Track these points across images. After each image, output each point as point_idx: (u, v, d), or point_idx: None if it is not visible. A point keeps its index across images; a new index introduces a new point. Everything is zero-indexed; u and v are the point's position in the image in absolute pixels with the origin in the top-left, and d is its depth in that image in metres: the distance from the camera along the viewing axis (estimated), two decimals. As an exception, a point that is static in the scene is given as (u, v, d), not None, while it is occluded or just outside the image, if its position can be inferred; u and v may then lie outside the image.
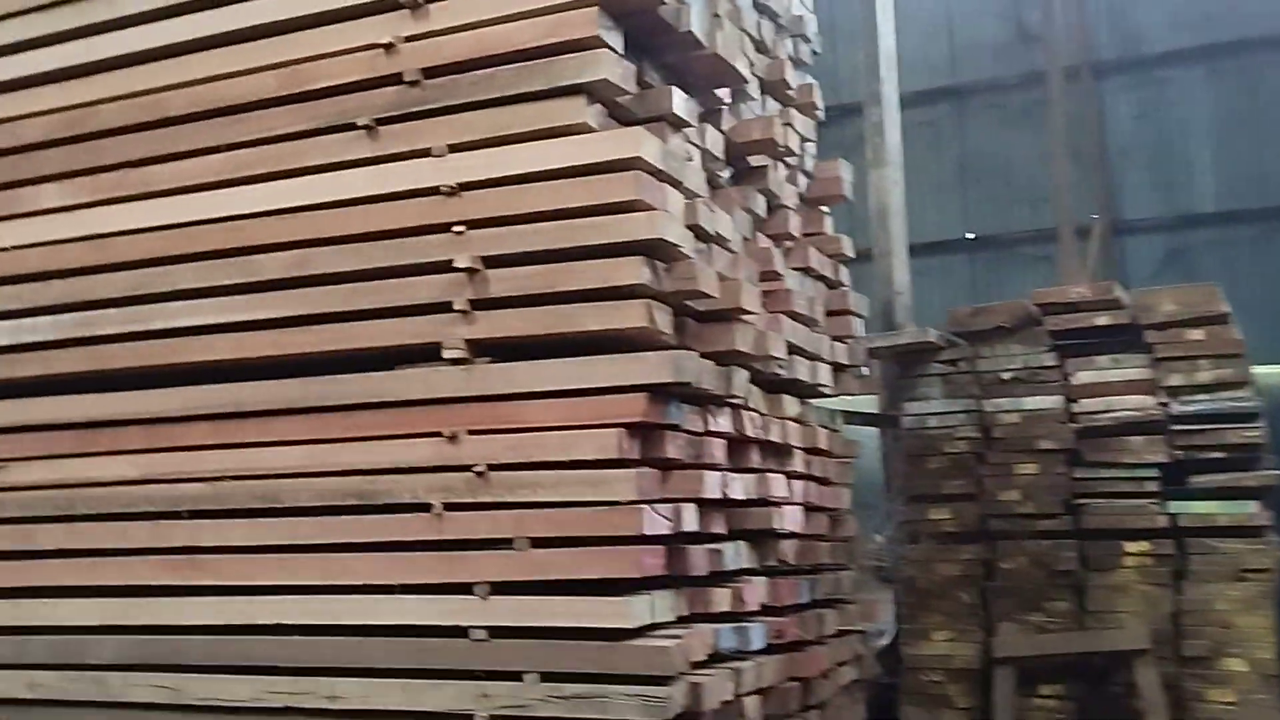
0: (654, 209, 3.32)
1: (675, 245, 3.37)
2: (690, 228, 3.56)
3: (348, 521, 3.49)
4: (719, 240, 3.81)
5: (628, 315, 3.28)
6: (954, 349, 5.83)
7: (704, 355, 3.58)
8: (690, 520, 3.45)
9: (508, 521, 3.33)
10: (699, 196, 3.72)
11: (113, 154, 3.91)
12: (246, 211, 3.69)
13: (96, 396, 3.84)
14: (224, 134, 3.77)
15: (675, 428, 3.46)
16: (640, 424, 3.29)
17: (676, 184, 3.54)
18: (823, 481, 4.69)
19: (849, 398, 5.29)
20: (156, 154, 3.85)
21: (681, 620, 3.51)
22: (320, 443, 3.55)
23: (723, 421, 3.78)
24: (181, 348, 3.74)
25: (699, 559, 3.55)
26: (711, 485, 3.57)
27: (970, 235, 13.30)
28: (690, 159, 3.88)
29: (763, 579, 4.03)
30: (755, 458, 4.03)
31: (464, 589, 3.35)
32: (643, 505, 3.22)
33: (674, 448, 3.44)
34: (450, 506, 3.39)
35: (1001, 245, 13.17)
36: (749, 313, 3.80)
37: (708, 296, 3.54)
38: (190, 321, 3.72)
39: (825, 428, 4.79)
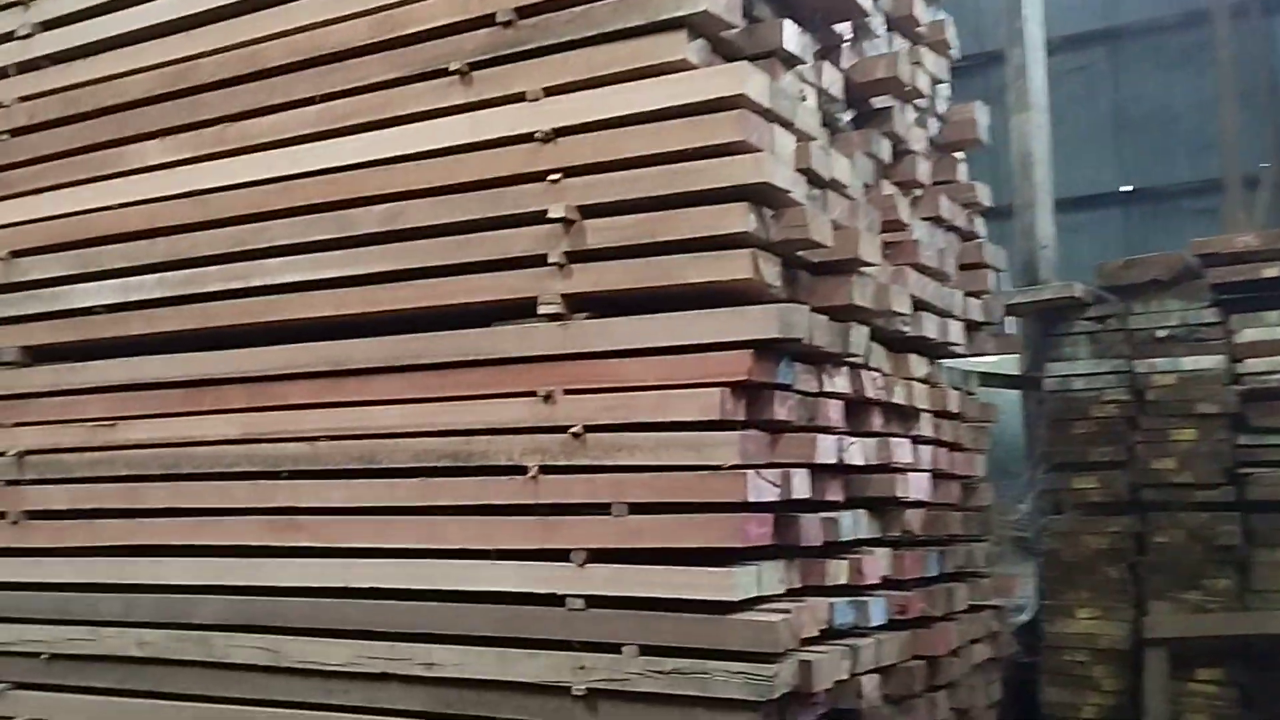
0: (760, 151, 3.08)
1: (784, 190, 3.12)
2: (802, 172, 3.31)
3: (444, 484, 3.37)
4: (835, 186, 3.54)
5: (731, 266, 3.05)
6: (1103, 305, 5.40)
7: (818, 310, 3.33)
8: (801, 487, 3.21)
9: (605, 486, 3.15)
10: (812, 139, 3.45)
11: (213, 109, 3.85)
12: (341, 164, 3.58)
13: (201, 355, 3.79)
14: (320, 84, 3.66)
15: (785, 388, 3.23)
16: (745, 383, 3.06)
17: (787, 124, 3.29)
18: (954, 447, 4.39)
19: (987, 358, 4.96)
20: (255, 107, 3.77)
21: (792, 594, 3.29)
22: (416, 402, 3.43)
23: (840, 382, 3.53)
24: (281, 305, 3.66)
25: (812, 529, 3.31)
26: (826, 450, 3.32)
27: (1126, 188, 12.55)
28: (804, 98, 3.61)
29: (885, 550, 3.77)
30: (877, 421, 3.77)
31: (560, 556, 3.19)
32: (747, 470, 3.00)
33: (784, 409, 3.21)
34: (546, 469, 3.22)
35: (1160, 198, 12.40)
36: (868, 264, 3.52)
37: (821, 246, 3.28)
38: (289, 278, 3.63)
39: (958, 389, 4.48)
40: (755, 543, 3.03)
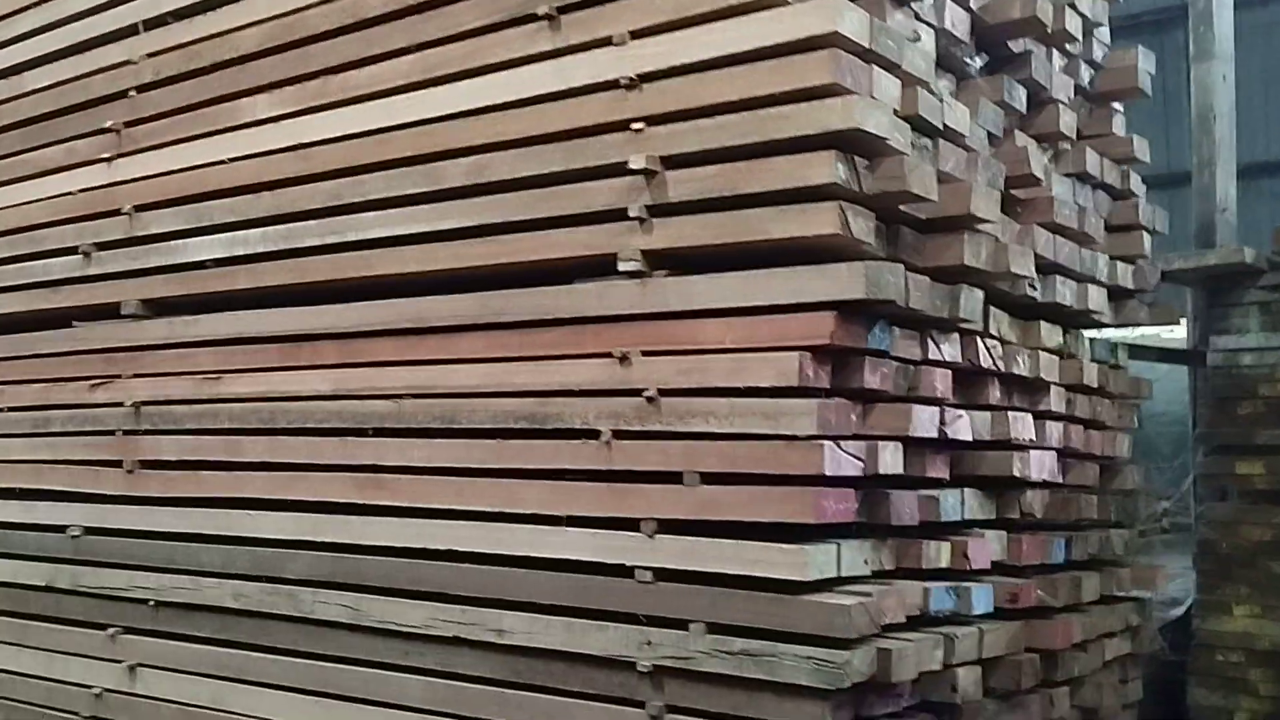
0: (853, 94, 2.83)
1: (880, 138, 2.86)
2: (909, 119, 3.04)
3: (520, 446, 3.26)
4: (950, 136, 3.25)
5: (816, 220, 2.82)
6: (1278, 273, 4.87)
7: (926, 272, 3.07)
8: (892, 462, 2.96)
9: (678, 453, 2.98)
10: (923, 83, 3.17)
11: (317, 61, 3.81)
12: (432, 116, 3.49)
13: (298, 310, 3.78)
14: (414, 34, 3.57)
15: (880, 354, 2.98)
16: (828, 347, 2.83)
17: (891, 67, 3.01)
18: (1092, 424, 4.02)
19: (1146, 330, 4.55)
20: (354, 59, 3.71)
21: (883, 576, 3.05)
22: (496, 361, 3.32)
23: (948, 349, 3.25)
24: (374, 260, 3.60)
25: (906, 507, 3.06)
26: (923, 422, 3.05)
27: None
28: (917, 38, 3.32)
29: (999, 534, 3.47)
30: (995, 393, 3.46)
31: (631, 525, 3.04)
32: (824, 441, 2.77)
33: (876, 377, 2.96)
34: (619, 435, 3.07)
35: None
36: (984, 221, 3.22)
37: (925, 200, 3.00)
38: (381, 233, 3.58)
39: (1100, 363, 4.10)
40: (834, 519, 2.80)
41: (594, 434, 3.10)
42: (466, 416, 3.36)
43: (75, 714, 4.17)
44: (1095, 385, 4.00)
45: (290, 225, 3.80)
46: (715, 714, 2.89)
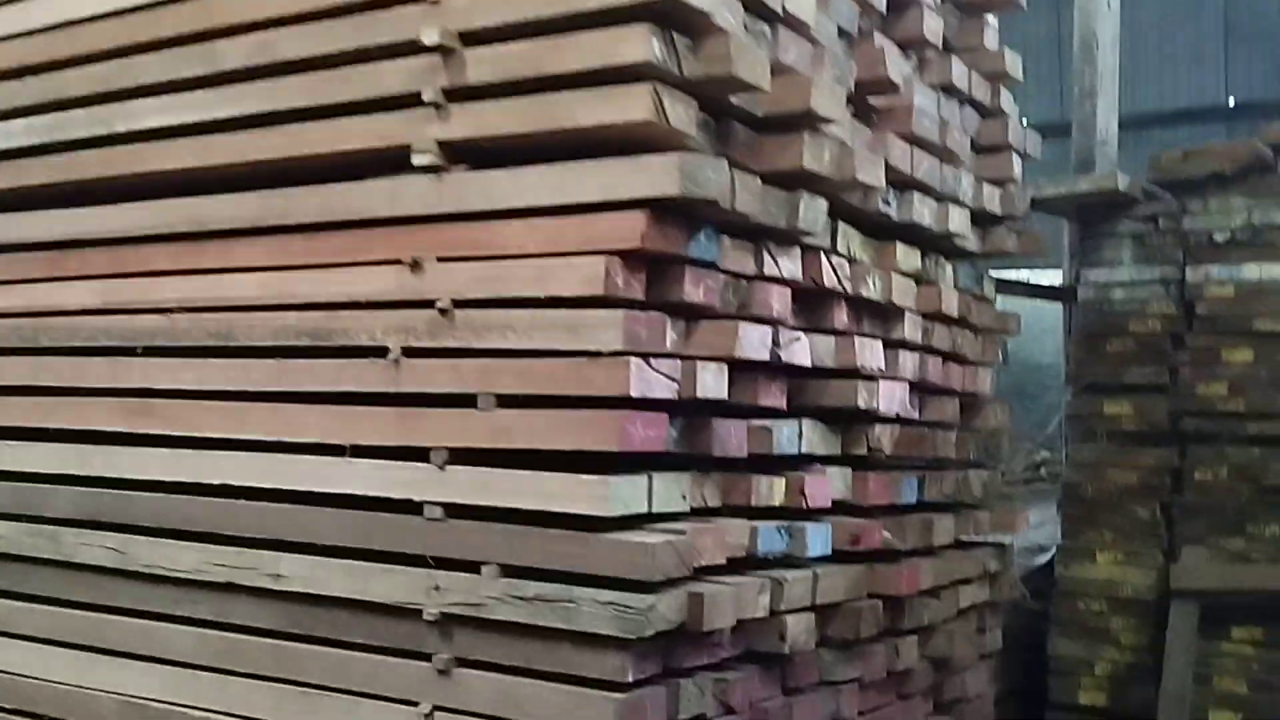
0: (670, -40, 2.46)
1: (702, 11, 2.49)
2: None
3: (302, 366, 2.86)
4: (792, 24, 2.89)
5: (628, 104, 2.44)
6: (1153, 203, 4.64)
7: (763, 176, 2.73)
8: (713, 385, 2.63)
9: (472, 373, 2.61)
10: (760, -39, 2.81)
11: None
12: (210, -14, 3.04)
13: (65, 213, 3.32)
14: (191, -106, 3.11)
15: (706, 265, 2.63)
16: (640, 252, 2.48)
17: (720, -63, 2.64)
18: (952, 357, 3.74)
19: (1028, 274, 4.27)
20: (128, -75, 3.24)
21: (703, 514, 2.73)
22: (277, 270, 2.92)
23: (788, 265, 2.92)
24: (147, 155, 3.15)
25: (733, 436, 2.73)
26: (753, 343, 2.72)
27: (1231, 102, 11.50)
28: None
29: (843, 471, 3.18)
30: (841, 317, 3.15)
31: (421, 456, 2.67)
32: (631, 358, 2.42)
33: (699, 290, 2.61)
34: (410, 352, 2.69)
35: (1270, 114, 11.31)
36: (827, 121, 2.88)
37: (755, 89, 2.65)
38: (154, 123, 3.12)
39: (965, 292, 3.81)
40: (643, 448, 2.46)
41: (382, 351, 2.72)
42: (244, 333, 2.95)
43: None
44: (957, 315, 3.71)
45: (57, 115, 3.33)
46: (508, 667, 2.55)
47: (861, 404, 3.13)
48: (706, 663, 2.63)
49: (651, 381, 2.46)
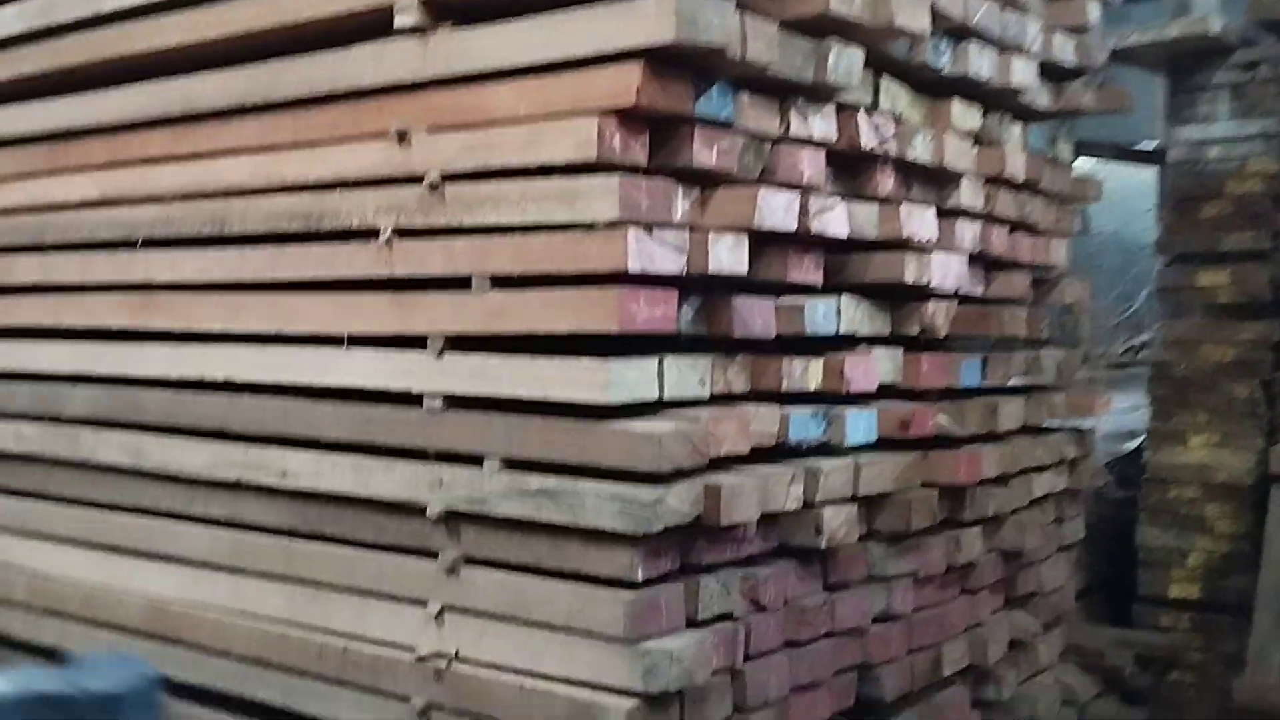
0: None
1: None
2: None
3: (296, 253, 2.69)
4: None
5: (618, -58, 2.17)
6: (1253, 48, 4.16)
7: (785, 23, 2.43)
8: (730, 258, 2.37)
9: (466, 253, 2.40)
10: None
11: None
12: None
13: (61, 102, 3.18)
14: None
15: (720, 125, 2.37)
16: (637, 110, 2.21)
17: None
18: (1020, 226, 3.41)
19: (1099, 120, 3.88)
20: None
21: (727, 400, 2.50)
22: (267, 151, 2.73)
23: (820, 125, 2.63)
24: (134, 35, 2.97)
25: (757, 316, 2.49)
26: (775, 210, 2.44)
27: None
28: None
29: (892, 352, 2.91)
30: (885, 182, 2.84)
31: (419, 344, 2.48)
32: (629, 228, 2.18)
33: (712, 152, 2.35)
34: (402, 233, 2.49)
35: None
36: (857, -43, 2.56)
37: (770, -79, 2.35)
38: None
39: (1036, 156, 3.46)
40: (647, 328, 2.23)
41: (374, 233, 2.52)
42: (239, 219, 2.78)
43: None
44: (1025, 180, 3.37)
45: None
46: (516, 565, 2.38)
47: (910, 278, 2.85)
48: (730, 559, 2.43)
49: (654, 254, 2.22)
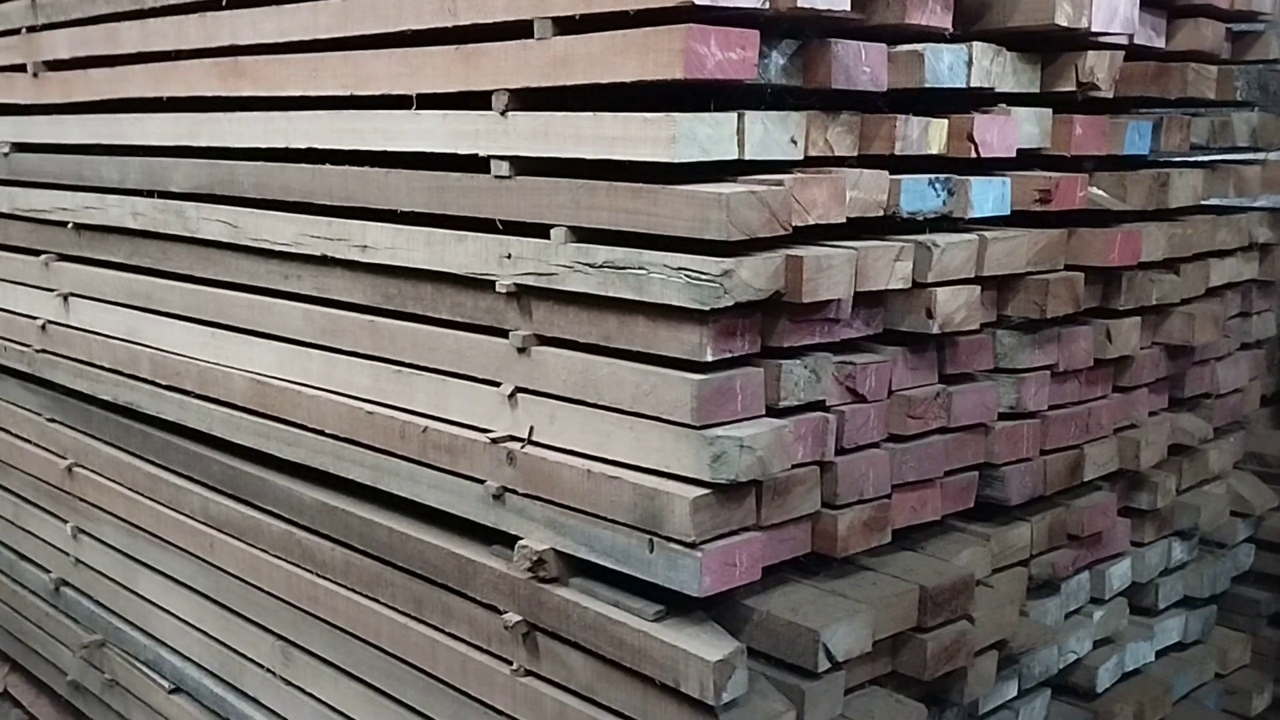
0: None
1: None
2: None
3: (364, 4, 2.48)
4: None
5: None
6: None
7: None
8: (827, -9, 2.03)
9: (527, -6, 2.14)
10: None
11: None
12: None
13: None
14: None
15: None
16: None
17: None
18: (1218, -37, 2.88)
19: None
20: None
21: (829, 163, 2.20)
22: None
23: None
24: None
25: (863, 63, 2.15)
26: (888, -67, 2.07)
27: None
28: None
29: (1039, 112, 2.52)
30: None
31: (483, 103, 2.26)
32: (694, -48, 1.87)
33: None
34: (465, -26, 2.24)
35: None
36: None
37: None
38: None
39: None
40: (719, 75, 1.94)
41: (437, -23, 2.29)
42: (312, -29, 2.59)
43: (29, 346, 3.85)
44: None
45: None
46: (585, 344, 2.19)
47: (1064, 22, 2.41)
48: (823, 342, 2.17)
49: (723, -16, 1.91)
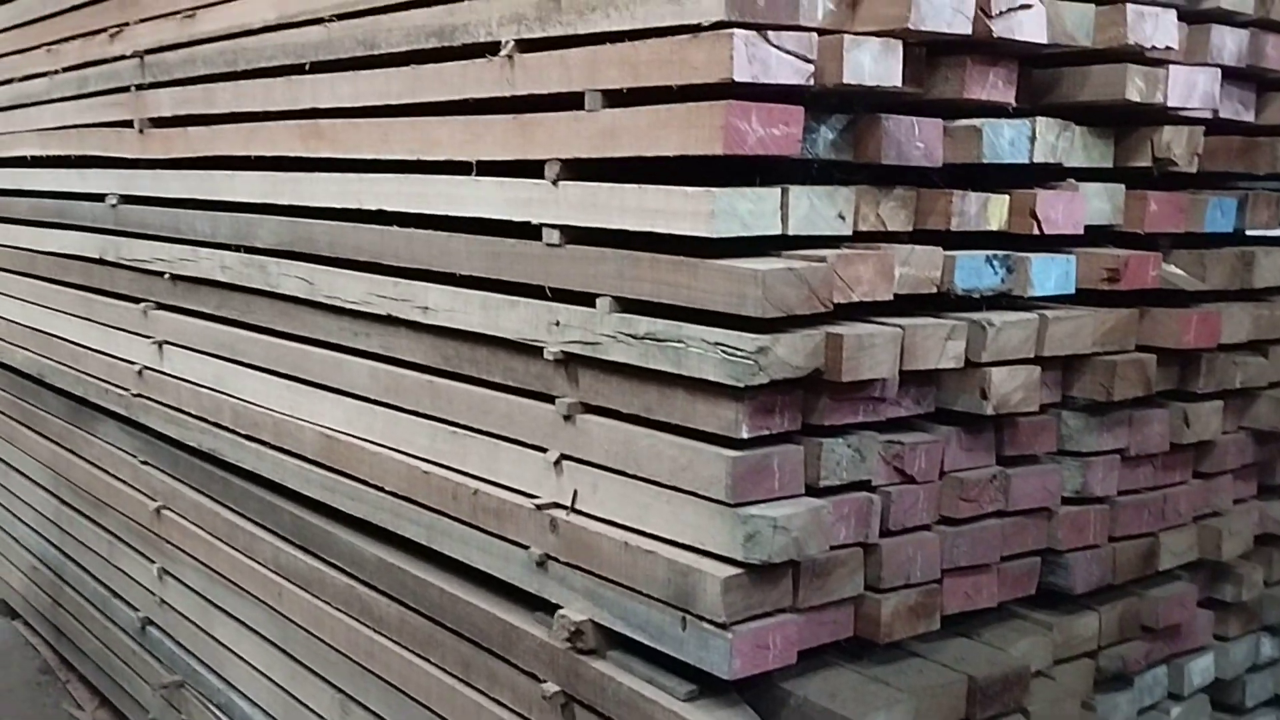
0: None
1: None
2: None
3: (432, 73, 2.53)
4: None
5: None
6: None
7: None
8: (871, 67, 1.99)
9: (579, 66, 2.15)
10: None
11: None
12: None
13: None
14: None
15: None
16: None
17: None
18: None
19: None
20: None
21: (881, 238, 2.16)
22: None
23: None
24: None
25: (918, 139, 2.11)
26: (940, 9, 2.02)
27: None
28: None
29: (1111, 188, 2.45)
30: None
31: (537, 170, 2.28)
32: (735, 30, 1.87)
33: (861, -61, 1.98)
34: (523, 46, 2.27)
35: None
36: None
37: None
38: None
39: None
40: (760, 150, 1.92)
41: (496, 47, 2.32)
42: (384, 38, 2.65)
43: (127, 390, 4.00)
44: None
45: None
46: (628, 415, 2.18)
47: (1136, 97, 2.34)
48: (868, 421, 2.13)
49: (770, 62, 1.90)
